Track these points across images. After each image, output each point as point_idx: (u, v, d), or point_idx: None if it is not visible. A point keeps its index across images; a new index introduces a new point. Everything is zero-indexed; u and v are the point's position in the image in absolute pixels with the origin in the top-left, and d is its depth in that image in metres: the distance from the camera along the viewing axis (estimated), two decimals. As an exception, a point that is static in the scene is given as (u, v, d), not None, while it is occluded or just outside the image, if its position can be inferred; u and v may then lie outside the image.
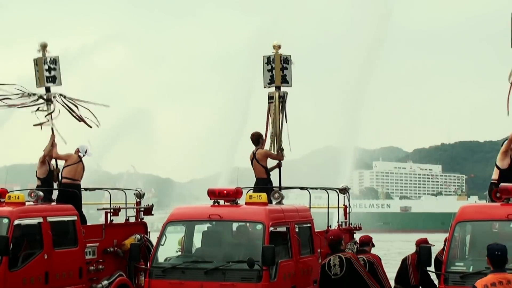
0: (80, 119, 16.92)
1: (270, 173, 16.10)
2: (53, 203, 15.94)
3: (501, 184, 12.20)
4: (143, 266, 14.67)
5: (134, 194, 17.34)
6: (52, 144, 16.65)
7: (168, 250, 13.49)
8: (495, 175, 13.69)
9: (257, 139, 16.18)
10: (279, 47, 16.20)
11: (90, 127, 16.97)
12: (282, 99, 16.26)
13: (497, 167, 13.66)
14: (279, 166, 16.31)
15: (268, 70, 16.22)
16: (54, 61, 16.77)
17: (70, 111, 16.90)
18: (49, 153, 16.60)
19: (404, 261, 15.26)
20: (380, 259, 14.63)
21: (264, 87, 16.35)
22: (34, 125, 16.80)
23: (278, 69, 16.11)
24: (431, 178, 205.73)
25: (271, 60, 16.17)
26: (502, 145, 13.90)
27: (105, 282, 15.65)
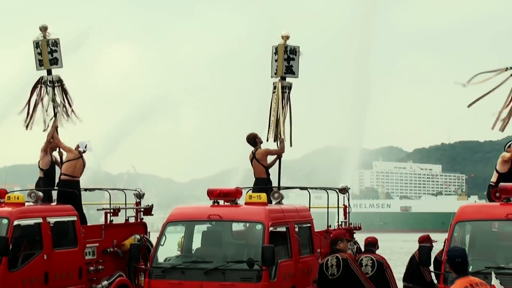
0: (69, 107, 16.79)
1: (270, 172, 16.09)
2: (52, 204, 15.93)
3: (501, 183, 12.23)
4: (143, 266, 14.66)
5: (134, 194, 17.34)
6: (55, 129, 16.55)
7: (168, 250, 13.47)
8: (494, 178, 13.88)
9: (253, 140, 16.15)
10: (287, 37, 16.13)
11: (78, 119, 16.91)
12: (287, 89, 16.23)
13: (497, 171, 13.85)
14: (279, 157, 16.28)
15: (276, 60, 16.15)
16: (55, 43, 16.65)
17: (65, 98, 16.79)
18: (51, 139, 16.47)
19: (413, 259, 15.17)
20: (386, 260, 14.59)
21: (271, 77, 16.32)
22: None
23: (281, 59, 16.05)
24: (431, 178, 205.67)
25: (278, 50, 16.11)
26: (504, 147, 14.05)
27: (105, 283, 15.62)
